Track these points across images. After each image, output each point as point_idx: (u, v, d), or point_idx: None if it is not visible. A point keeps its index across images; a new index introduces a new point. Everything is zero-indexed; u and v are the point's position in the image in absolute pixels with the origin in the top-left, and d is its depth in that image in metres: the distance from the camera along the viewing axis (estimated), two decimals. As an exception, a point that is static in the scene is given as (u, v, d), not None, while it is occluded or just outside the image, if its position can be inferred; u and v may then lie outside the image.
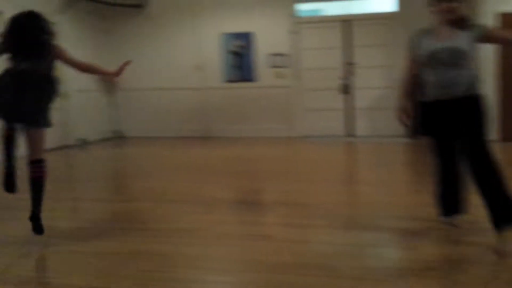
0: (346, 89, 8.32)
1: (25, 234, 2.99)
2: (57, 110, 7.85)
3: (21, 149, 3.08)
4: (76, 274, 2.33)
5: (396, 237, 2.91)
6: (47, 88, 2.90)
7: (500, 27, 6.12)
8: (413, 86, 2.88)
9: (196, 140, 8.43)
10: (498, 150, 3.68)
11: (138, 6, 8.65)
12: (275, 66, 8.50)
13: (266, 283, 2.19)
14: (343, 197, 4.02)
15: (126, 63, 3.27)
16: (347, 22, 8.27)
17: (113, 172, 5.94)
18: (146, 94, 9.07)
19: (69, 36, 8.02)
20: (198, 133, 8.85)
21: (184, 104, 8.90)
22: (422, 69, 2.75)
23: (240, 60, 8.62)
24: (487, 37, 2.65)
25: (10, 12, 6.53)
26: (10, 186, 2.99)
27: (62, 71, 7.88)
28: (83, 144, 8.11)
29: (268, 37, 8.45)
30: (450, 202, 2.77)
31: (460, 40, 2.59)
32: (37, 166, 3.00)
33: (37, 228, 2.87)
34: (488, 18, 6.47)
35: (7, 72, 2.82)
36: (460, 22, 2.62)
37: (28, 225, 3.19)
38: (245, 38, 8.55)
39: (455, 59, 2.60)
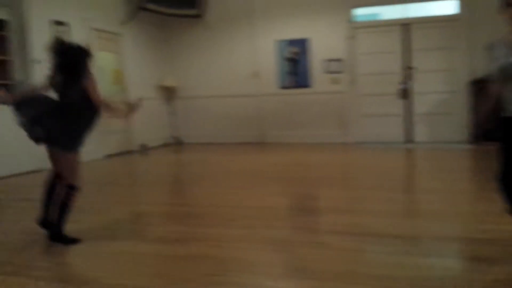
0: (405, 94, 8.10)
1: (87, 234, 3.16)
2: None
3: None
4: (135, 275, 2.41)
5: (458, 247, 2.79)
6: (72, 113, 2.94)
7: None
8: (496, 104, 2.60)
9: (252, 146, 8.51)
10: None
11: (196, 16, 8.89)
12: (330, 72, 8.44)
13: (323, 291, 2.17)
14: (400, 205, 3.90)
15: (139, 101, 3.30)
16: (406, 26, 8.06)
17: (171, 177, 6.12)
18: (203, 101, 9.29)
19: (131, 46, 8.40)
20: (253, 139, 8.95)
21: (240, 110, 9.04)
22: (500, 84, 2.51)
23: (296, 66, 8.63)
24: None
25: (76, 25, 6.96)
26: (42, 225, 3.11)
27: (125, 80, 8.26)
28: (144, 149, 8.44)
29: (324, 43, 8.41)
30: None
31: None
32: (67, 192, 2.99)
33: (52, 235, 2.98)
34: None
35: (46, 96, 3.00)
36: None
37: (89, 225, 3.37)
38: (300, 44, 8.56)
39: None
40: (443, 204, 3.77)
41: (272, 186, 4.83)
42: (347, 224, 3.28)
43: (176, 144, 9.38)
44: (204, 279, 2.32)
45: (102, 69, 7.72)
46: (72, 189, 2.99)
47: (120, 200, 4.45)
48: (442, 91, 7.98)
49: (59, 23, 6.63)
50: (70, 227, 3.09)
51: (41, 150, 3.12)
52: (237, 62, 9.00)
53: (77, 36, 6.94)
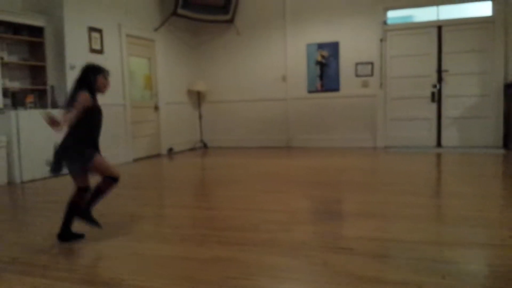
0: (436, 97, 7.95)
1: (112, 235, 3.23)
2: (149, 122, 8.41)
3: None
4: (158, 277, 2.44)
5: (488, 253, 2.71)
6: (73, 129, 3.09)
7: None
8: None
9: (278, 150, 8.51)
10: None
11: (227, 21, 8.97)
12: (360, 75, 8.36)
13: (345, 296, 2.15)
14: (428, 211, 3.82)
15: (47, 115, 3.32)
16: (438, 28, 7.92)
17: (197, 180, 6.19)
18: (230, 105, 9.37)
19: (163, 51, 8.56)
20: (280, 144, 8.95)
21: (267, 114, 9.06)
22: None
23: (325, 69, 8.59)
24: None
25: (110, 31, 7.16)
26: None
27: (155, 85, 8.41)
28: (171, 153, 8.57)
29: (354, 46, 8.35)
30: None
31: None
32: (106, 181, 3.23)
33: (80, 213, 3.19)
34: None
35: None
36: None
37: (115, 226, 3.45)
38: (330, 47, 8.52)
39: None
40: (471, 209, 3.67)
41: (297, 190, 4.82)
42: (373, 229, 3.24)
43: (203, 148, 9.48)
44: (227, 282, 2.34)
45: (134, 74, 7.91)
46: (111, 179, 3.21)
47: (146, 202, 4.53)
48: (475, 95, 7.78)
49: (94, 29, 6.83)
50: (97, 229, 3.18)
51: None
52: (266, 66, 9.03)
53: (110, 42, 7.14)
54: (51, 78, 6.36)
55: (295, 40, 8.76)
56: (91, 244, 3.11)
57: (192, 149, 9.37)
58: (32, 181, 5.78)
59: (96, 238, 3.20)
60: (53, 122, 2.76)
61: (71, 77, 6.12)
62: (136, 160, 7.72)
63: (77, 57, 6.41)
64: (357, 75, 8.39)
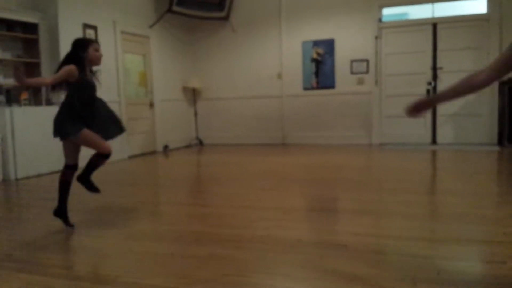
0: (431, 95, 7.97)
1: (107, 233, 3.22)
2: (144, 119, 8.40)
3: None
4: (153, 275, 2.44)
5: (482, 250, 2.73)
6: (64, 102, 3.26)
7: None
8: None
9: (274, 147, 8.52)
10: None
11: (223, 18, 8.95)
12: (356, 73, 8.37)
13: (341, 293, 2.16)
14: (423, 208, 3.83)
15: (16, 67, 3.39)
16: (433, 26, 7.94)
17: (193, 177, 6.18)
18: (226, 102, 9.36)
19: (157, 48, 8.53)
20: (276, 141, 8.96)
21: (262, 112, 9.06)
22: None
23: (321, 67, 8.60)
24: None
25: (105, 28, 7.12)
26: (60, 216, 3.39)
27: (150, 82, 8.38)
28: (167, 150, 8.55)
29: (349, 43, 8.36)
30: None
31: None
32: (97, 157, 3.40)
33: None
34: None
35: None
36: None
37: (109, 223, 3.44)
38: (326, 45, 8.52)
39: None
40: (466, 206, 3.69)
41: (292, 188, 4.83)
42: (368, 226, 3.26)
43: (198, 145, 9.47)
44: (222, 279, 2.34)
45: (129, 71, 7.88)
46: (101, 156, 3.34)
47: (142, 200, 4.53)
48: (469, 92, 7.81)
49: (88, 26, 6.79)
50: (91, 227, 3.17)
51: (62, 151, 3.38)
52: (261, 63, 9.02)
53: (105, 39, 7.11)
54: (45, 75, 6.32)
55: (291, 37, 8.76)
56: (87, 241, 3.11)
57: (187, 146, 9.37)
58: (27, 178, 5.75)
59: (91, 235, 3.20)
60: (18, 77, 2.89)
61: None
62: (131, 157, 7.71)
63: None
64: (352, 73, 8.40)
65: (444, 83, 7.91)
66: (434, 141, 8.09)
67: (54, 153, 5.41)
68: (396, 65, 8.18)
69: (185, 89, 9.38)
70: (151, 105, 8.40)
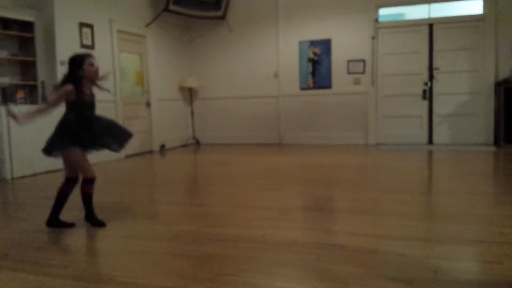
0: (427, 95, 8.00)
1: (104, 232, 3.22)
2: (141, 119, 8.38)
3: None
4: (150, 274, 2.44)
5: (478, 250, 2.74)
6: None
7: None
8: None
9: (270, 147, 8.52)
10: None
11: (219, 17, 8.95)
12: (352, 73, 8.39)
13: (338, 292, 2.16)
14: (420, 208, 3.85)
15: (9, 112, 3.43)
16: (430, 26, 7.97)
17: (189, 177, 6.17)
18: (222, 102, 9.35)
19: (154, 47, 8.52)
20: (272, 141, 8.96)
21: (259, 111, 9.06)
22: None
23: (317, 67, 8.60)
24: None
25: (101, 27, 7.09)
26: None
27: (147, 81, 8.37)
28: (163, 150, 8.54)
29: (346, 43, 8.37)
30: None
31: None
32: (62, 183, 3.37)
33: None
34: None
35: None
36: None
37: (106, 223, 3.44)
38: (322, 45, 8.53)
39: None
40: (463, 206, 3.70)
41: (289, 187, 4.83)
42: (365, 225, 3.26)
43: (195, 144, 9.47)
44: (219, 279, 2.34)
45: (125, 70, 7.86)
46: (86, 182, 3.29)
47: (138, 199, 4.52)
48: (466, 93, 7.85)
49: (84, 25, 6.77)
50: (87, 227, 3.16)
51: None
52: (258, 63, 9.03)
53: (101, 37, 7.09)
54: (41, 73, 6.31)
55: (287, 37, 8.77)
56: (83, 240, 3.10)
57: (184, 146, 9.35)
58: (23, 177, 5.73)
59: (87, 235, 3.19)
60: (14, 117, 2.99)
61: (62, 73, 6.08)
62: (128, 156, 7.69)
63: (67, 53, 6.23)
64: (349, 73, 8.41)
65: (441, 83, 7.94)
66: (430, 141, 8.11)
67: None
68: (393, 66, 8.20)
69: (181, 89, 9.37)
70: (148, 104, 8.39)
